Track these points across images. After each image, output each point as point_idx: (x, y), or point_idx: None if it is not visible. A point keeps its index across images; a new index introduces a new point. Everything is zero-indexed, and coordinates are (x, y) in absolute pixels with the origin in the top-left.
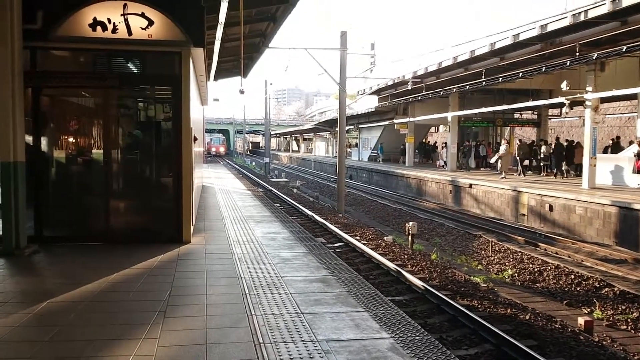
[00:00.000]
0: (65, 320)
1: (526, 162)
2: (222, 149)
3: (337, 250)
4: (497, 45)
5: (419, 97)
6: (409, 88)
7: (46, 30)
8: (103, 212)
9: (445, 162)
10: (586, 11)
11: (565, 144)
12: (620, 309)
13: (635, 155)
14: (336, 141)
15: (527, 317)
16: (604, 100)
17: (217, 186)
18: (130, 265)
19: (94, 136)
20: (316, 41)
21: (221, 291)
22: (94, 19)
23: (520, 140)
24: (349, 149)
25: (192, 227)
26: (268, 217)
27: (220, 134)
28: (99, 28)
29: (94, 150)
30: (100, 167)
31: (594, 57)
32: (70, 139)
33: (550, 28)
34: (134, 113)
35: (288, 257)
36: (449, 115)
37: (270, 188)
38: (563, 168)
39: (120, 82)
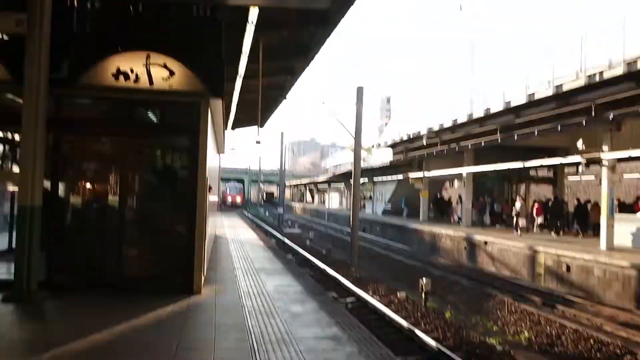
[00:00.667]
0: None
1: (539, 219)
2: (238, 199)
3: (349, 305)
4: (512, 104)
5: (434, 152)
6: (424, 143)
7: (71, 78)
8: (115, 259)
9: (459, 217)
10: (601, 73)
11: (576, 203)
12: None
13: None
14: (350, 193)
15: None
16: (621, 159)
17: (230, 236)
18: (139, 315)
19: (110, 183)
20: (333, 94)
21: (230, 346)
22: (118, 68)
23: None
24: (363, 202)
25: (203, 278)
26: (280, 269)
27: (237, 182)
28: (121, 77)
29: (110, 197)
30: (115, 214)
31: (610, 118)
32: (88, 185)
33: (565, 88)
34: (152, 161)
35: (299, 311)
36: (464, 170)
37: (283, 239)
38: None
39: (140, 130)
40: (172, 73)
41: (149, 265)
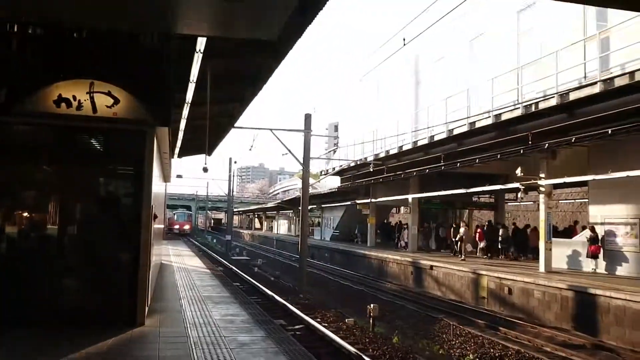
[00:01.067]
0: None
1: (482, 244)
2: (186, 227)
3: (298, 332)
4: (455, 132)
5: (380, 179)
6: (371, 170)
7: (9, 105)
8: (53, 291)
9: (406, 242)
10: (537, 103)
11: (512, 227)
12: None
13: (588, 240)
14: (299, 220)
15: None
16: (557, 186)
17: (176, 264)
18: (78, 350)
19: (50, 211)
20: (281, 121)
21: None
22: (59, 95)
23: (489, 223)
24: (311, 228)
25: (147, 309)
26: (227, 298)
27: (185, 210)
28: (63, 104)
29: (49, 226)
30: (54, 244)
31: (546, 146)
32: (25, 214)
33: (504, 117)
34: (94, 189)
35: (246, 341)
36: (410, 197)
37: (231, 266)
38: (511, 250)
39: (82, 158)
40: (116, 101)
41: (89, 297)
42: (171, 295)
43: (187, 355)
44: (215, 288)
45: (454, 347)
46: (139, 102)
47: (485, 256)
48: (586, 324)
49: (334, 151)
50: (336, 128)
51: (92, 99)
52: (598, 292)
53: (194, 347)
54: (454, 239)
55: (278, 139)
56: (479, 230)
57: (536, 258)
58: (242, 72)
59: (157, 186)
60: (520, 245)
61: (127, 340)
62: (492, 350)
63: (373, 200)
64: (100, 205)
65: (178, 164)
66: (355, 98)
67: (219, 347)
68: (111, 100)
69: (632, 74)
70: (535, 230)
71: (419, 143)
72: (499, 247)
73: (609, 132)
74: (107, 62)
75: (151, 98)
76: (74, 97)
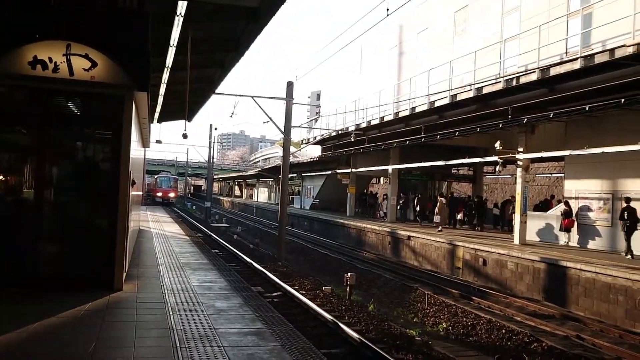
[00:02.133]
0: None
1: (459, 215)
2: (172, 194)
3: (275, 300)
4: (437, 104)
5: (361, 149)
6: (352, 140)
7: None
8: (30, 255)
9: (385, 213)
10: (518, 77)
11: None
12: None
13: (562, 214)
14: (279, 188)
15: None
16: (534, 160)
17: (155, 230)
18: (55, 314)
19: (26, 175)
20: (263, 88)
21: (150, 343)
22: (35, 57)
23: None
24: (291, 197)
25: (124, 274)
26: (205, 265)
27: (169, 173)
28: (39, 66)
29: (25, 190)
30: (30, 208)
31: (525, 121)
32: (0, 177)
33: (485, 91)
34: (71, 153)
35: (223, 307)
36: (390, 167)
37: (210, 233)
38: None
39: (58, 122)
40: (94, 64)
41: (67, 261)
42: (149, 261)
43: (164, 320)
44: (194, 255)
45: (427, 316)
46: (118, 65)
47: (463, 227)
48: (556, 295)
49: (316, 120)
50: (318, 97)
51: (69, 61)
52: (569, 264)
53: (171, 313)
54: (433, 211)
55: (259, 106)
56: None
57: (511, 230)
58: (223, 38)
59: (136, 151)
60: (479, 217)
61: (105, 305)
62: (464, 319)
63: (353, 170)
64: (78, 169)
65: (157, 129)
66: (338, 67)
67: (196, 313)
68: (89, 63)
69: (612, 51)
70: (510, 203)
71: (401, 114)
72: (474, 219)
73: (587, 108)
74: (84, 24)
75: (130, 62)
76: (50, 59)
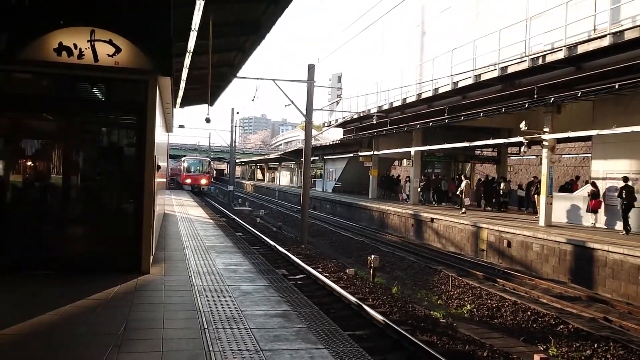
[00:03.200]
0: (14, 355)
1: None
2: (204, 181)
3: (299, 282)
4: (460, 84)
5: (384, 132)
6: (374, 122)
7: (9, 53)
8: (59, 239)
9: (408, 195)
10: (544, 56)
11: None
12: (574, 346)
13: (589, 195)
14: (301, 171)
15: (485, 353)
16: (560, 140)
17: (179, 214)
18: (86, 296)
19: (53, 161)
20: (284, 71)
21: (179, 325)
22: (60, 43)
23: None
24: (313, 180)
25: (151, 257)
26: (230, 248)
27: (198, 154)
28: (64, 53)
29: (53, 175)
30: (59, 193)
31: (551, 100)
32: (29, 163)
33: (510, 70)
34: (97, 139)
35: (249, 290)
36: (412, 150)
37: (234, 217)
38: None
39: (84, 107)
40: (118, 50)
41: (95, 245)
42: (175, 245)
43: (192, 302)
44: (219, 238)
45: (452, 298)
46: (141, 50)
47: (486, 209)
48: (583, 278)
49: (337, 103)
50: (339, 79)
51: (93, 47)
52: (596, 246)
53: (198, 295)
54: (456, 193)
55: (281, 89)
56: (482, 184)
57: (535, 212)
58: (244, 20)
59: (160, 136)
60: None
61: (133, 288)
62: (489, 301)
63: (375, 152)
64: (104, 155)
65: (180, 113)
66: (360, 49)
67: (222, 296)
68: (113, 49)
69: None
70: (533, 184)
71: (423, 95)
72: (500, 200)
73: (616, 86)
74: (108, 10)
75: (153, 47)
76: (75, 46)
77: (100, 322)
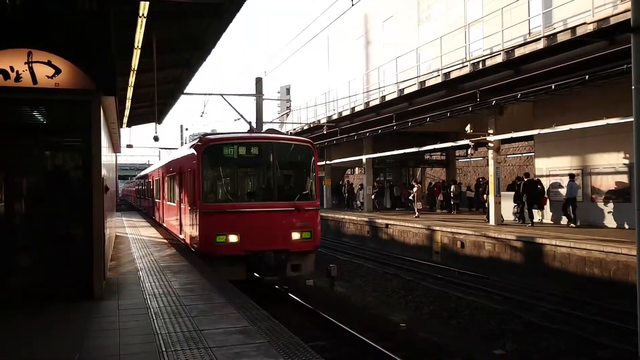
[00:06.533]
0: None
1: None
2: None
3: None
4: (406, 91)
5: (334, 141)
6: (324, 132)
7: None
8: (3, 270)
9: (362, 203)
10: (484, 60)
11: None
12: (529, 340)
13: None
14: None
15: (446, 354)
16: (505, 141)
17: (132, 235)
18: (33, 326)
19: None
20: (234, 85)
21: (136, 350)
22: None
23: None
24: None
25: (104, 282)
26: (186, 267)
27: None
28: (0, 77)
29: None
30: (1, 221)
31: (493, 103)
32: None
33: (453, 76)
34: (41, 163)
35: (207, 308)
36: (364, 157)
37: None
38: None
39: (25, 131)
40: (58, 70)
41: (43, 273)
42: (128, 267)
43: (148, 326)
44: (174, 257)
45: (410, 302)
46: (82, 70)
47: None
48: (534, 272)
49: (287, 115)
50: (288, 91)
51: (31, 69)
52: (544, 241)
53: (155, 318)
54: (409, 197)
55: (229, 104)
56: (435, 187)
57: (485, 212)
58: (188, 37)
59: (107, 157)
60: (469, 201)
61: (86, 314)
62: (447, 302)
63: (328, 162)
64: (48, 179)
65: (128, 133)
66: (307, 60)
67: (180, 316)
68: (52, 70)
69: (573, 29)
70: (480, 185)
71: (371, 104)
72: (451, 203)
73: (552, 87)
74: (44, 30)
75: (94, 66)
76: (12, 68)
77: (52, 352)
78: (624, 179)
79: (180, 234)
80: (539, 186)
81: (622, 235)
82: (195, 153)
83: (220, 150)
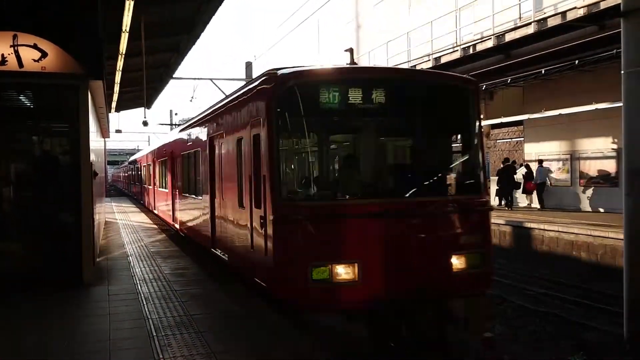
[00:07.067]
0: None
1: None
2: None
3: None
4: None
5: None
6: None
7: None
8: None
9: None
10: (474, 45)
11: None
12: (519, 322)
13: (523, 177)
14: None
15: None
16: (494, 126)
17: (122, 221)
18: (26, 312)
19: None
20: (223, 70)
21: (126, 335)
22: None
23: None
24: None
25: (93, 268)
26: (176, 252)
27: None
28: None
29: None
30: None
31: (483, 88)
32: None
33: (443, 60)
34: (28, 148)
35: (198, 293)
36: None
37: None
38: None
39: (11, 115)
40: (44, 54)
41: (33, 259)
42: (118, 253)
43: (139, 311)
44: (164, 243)
45: None
46: (69, 54)
47: None
48: (522, 255)
49: None
50: None
51: (17, 52)
52: (532, 225)
53: (145, 302)
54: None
55: (219, 88)
56: None
57: None
58: (177, 20)
59: (95, 142)
60: None
61: (76, 299)
62: None
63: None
64: (36, 165)
65: (117, 118)
66: (297, 44)
67: (170, 301)
68: (38, 54)
69: (564, 13)
70: None
71: None
72: None
73: (542, 71)
74: (30, 13)
75: (82, 50)
76: None
77: (43, 338)
78: (612, 163)
79: (202, 233)
80: (526, 171)
81: (596, 219)
82: (260, 102)
83: (315, 95)
